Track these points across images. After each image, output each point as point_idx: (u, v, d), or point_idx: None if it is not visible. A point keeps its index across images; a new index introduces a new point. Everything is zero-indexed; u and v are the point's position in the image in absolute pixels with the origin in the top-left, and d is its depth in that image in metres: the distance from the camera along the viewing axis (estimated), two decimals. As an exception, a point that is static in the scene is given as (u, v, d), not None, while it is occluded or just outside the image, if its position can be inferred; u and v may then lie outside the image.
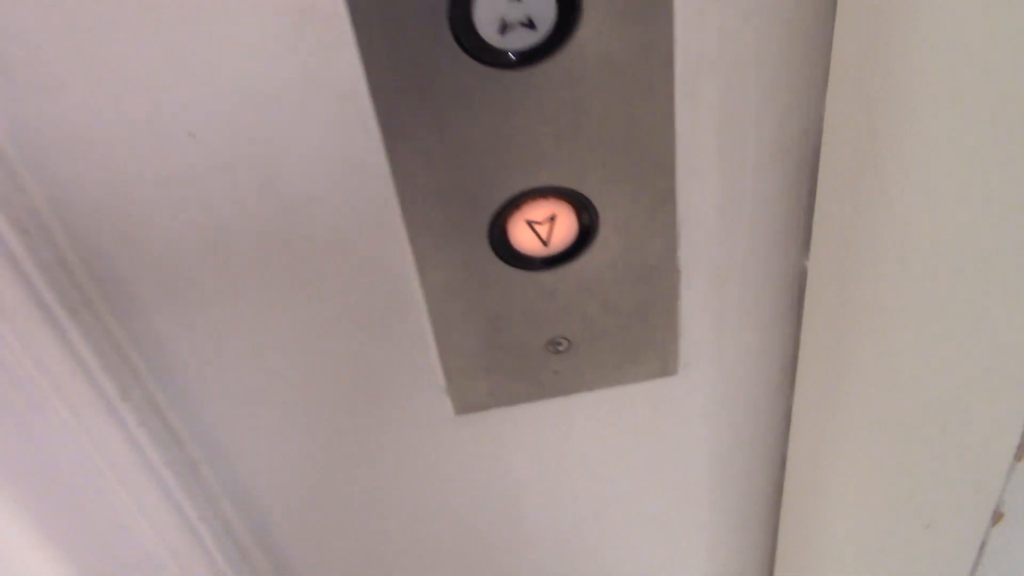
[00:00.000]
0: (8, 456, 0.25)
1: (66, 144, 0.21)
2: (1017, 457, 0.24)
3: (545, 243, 0.26)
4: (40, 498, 0.27)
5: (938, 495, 0.28)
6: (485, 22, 0.21)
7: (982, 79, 0.21)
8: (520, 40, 0.21)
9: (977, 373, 0.26)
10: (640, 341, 0.29)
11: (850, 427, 0.30)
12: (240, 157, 0.22)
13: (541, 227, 0.25)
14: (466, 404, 0.29)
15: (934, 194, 0.24)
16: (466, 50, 0.22)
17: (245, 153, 0.22)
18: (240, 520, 0.31)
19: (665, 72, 0.23)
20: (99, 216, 0.23)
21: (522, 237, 0.25)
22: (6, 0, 0.19)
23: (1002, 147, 0.22)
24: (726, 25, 0.22)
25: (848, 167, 0.25)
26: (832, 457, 0.31)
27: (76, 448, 0.26)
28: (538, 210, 0.25)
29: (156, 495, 0.28)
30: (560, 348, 0.28)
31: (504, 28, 0.21)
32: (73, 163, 0.22)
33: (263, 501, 0.31)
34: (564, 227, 0.25)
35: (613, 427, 0.31)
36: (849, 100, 0.23)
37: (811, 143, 0.25)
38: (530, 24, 0.21)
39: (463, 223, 0.25)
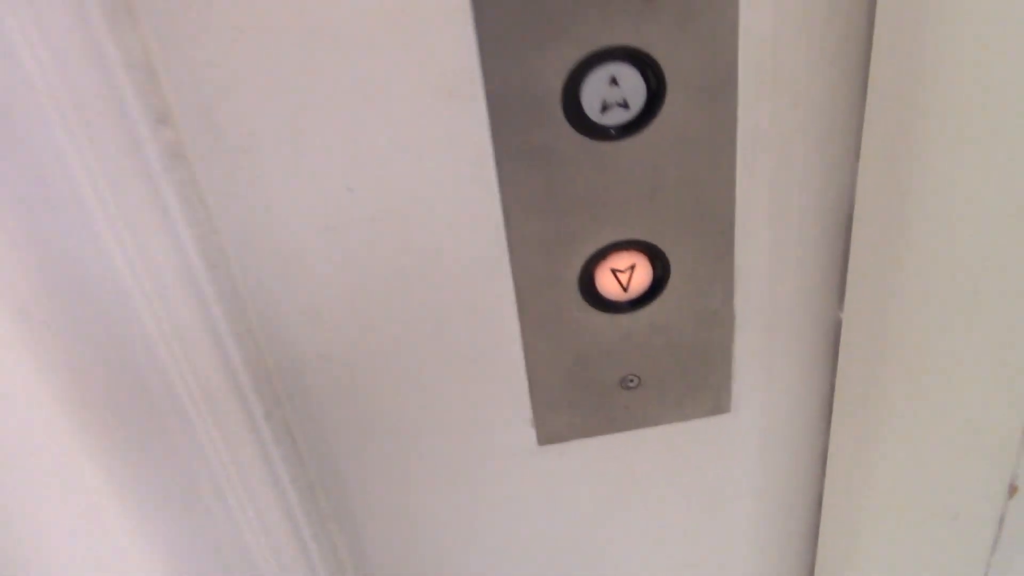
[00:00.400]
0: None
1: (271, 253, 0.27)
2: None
3: (625, 289, 0.31)
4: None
5: (965, 531, 0.32)
6: (590, 103, 0.27)
7: (996, 149, 0.26)
8: (617, 118, 0.27)
9: (1005, 408, 0.30)
10: (699, 380, 0.33)
11: (881, 468, 0.35)
12: (386, 211, 0.28)
13: (623, 275, 0.30)
14: (548, 436, 0.34)
15: (953, 254, 0.29)
16: (574, 125, 0.27)
17: (391, 207, 0.28)
18: (343, 541, 0.35)
19: (729, 146, 0.28)
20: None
21: (606, 283, 0.30)
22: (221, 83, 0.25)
23: (1018, 206, 0.27)
24: (778, 109, 0.28)
25: (876, 229, 0.30)
26: (865, 496, 0.36)
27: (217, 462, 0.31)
28: (621, 260, 0.30)
29: (278, 512, 0.33)
30: (631, 385, 0.33)
31: (604, 108, 0.27)
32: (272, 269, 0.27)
33: (363, 524, 0.35)
34: (641, 275, 0.30)
35: (672, 459, 0.35)
36: (877, 172, 0.29)
37: (845, 208, 0.30)
38: (625, 104, 0.27)
39: (559, 270, 0.30)
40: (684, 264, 0.30)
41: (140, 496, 0.31)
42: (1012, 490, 0.30)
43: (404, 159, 0.27)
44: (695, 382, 0.33)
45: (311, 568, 0.34)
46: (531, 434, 0.34)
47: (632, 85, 0.27)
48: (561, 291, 0.30)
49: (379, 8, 0.24)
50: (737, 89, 0.27)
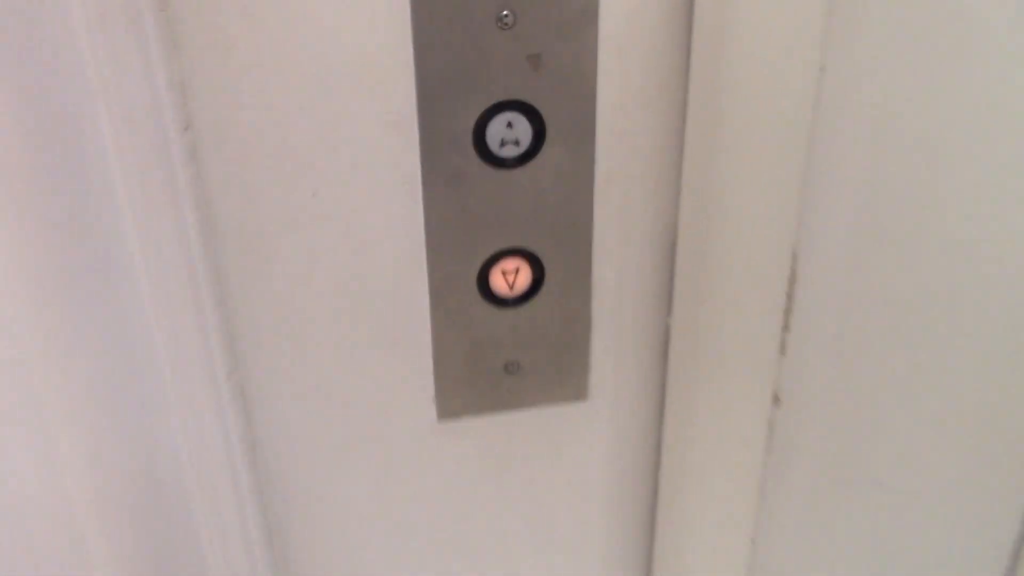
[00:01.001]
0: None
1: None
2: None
3: (511, 288, 0.41)
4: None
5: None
6: (492, 140, 0.37)
7: (775, 188, 0.38)
8: (511, 152, 0.38)
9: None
10: (564, 369, 0.44)
11: (700, 444, 0.45)
12: (338, 213, 0.38)
13: (509, 276, 0.41)
14: (446, 412, 0.43)
15: (743, 275, 0.40)
16: (480, 156, 0.38)
17: (342, 210, 0.38)
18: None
19: (589, 179, 0.39)
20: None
21: (497, 282, 0.41)
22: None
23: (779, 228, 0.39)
24: (623, 153, 0.39)
25: (694, 252, 0.41)
26: (691, 467, 0.46)
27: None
28: (509, 264, 0.40)
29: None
30: (513, 370, 0.43)
31: (502, 144, 0.38)
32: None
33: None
34: (524, 277, 0.41)
35: (540, 440, 0.45)
36: (693, 206, 0.40)
37: (671, 235, 0.42)
38: (517, 143, 0.38)
39: (463, 270, 0.40)
40: (556, 270, 0.41)
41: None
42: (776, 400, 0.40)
43: (356, 174, 0.37)
44: (562, 371, 0.43)
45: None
46: (432, 409, 0.43)
47: (522, 128, 0.38)
48: (463, 287, 0.40)
49: (347, 60, 0.35)
50: (595, 137, 0.38)
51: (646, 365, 0.44)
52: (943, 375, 0.38)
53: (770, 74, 0.35)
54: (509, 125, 0.37)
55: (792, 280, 0.34)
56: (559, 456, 0.45)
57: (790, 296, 0.34)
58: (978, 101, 0.34)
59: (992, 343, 0.39)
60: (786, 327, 0.35)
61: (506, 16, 0.35)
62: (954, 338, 0.38)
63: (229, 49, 0.33)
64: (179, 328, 0.37)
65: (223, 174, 0.35)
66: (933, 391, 0.38)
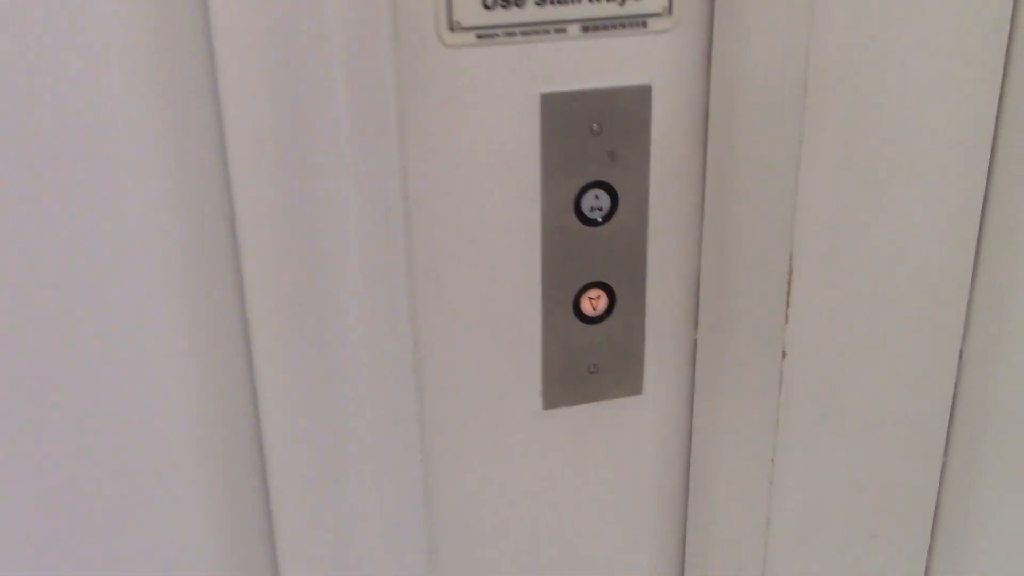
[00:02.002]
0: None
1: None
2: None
3: (594, 310, 0.61)
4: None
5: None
6: (586, 207, 0.58)
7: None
8: (597, 215, 0.59)
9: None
10: (628, 371, 0.63)
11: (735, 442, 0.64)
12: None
13: (594, 301, 0.61)
14: (550, 403, 0.62)
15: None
16: (578, 217, 0.59)
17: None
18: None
19: (643, 234, 0.60)
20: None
21: (585, 306, 0.61)
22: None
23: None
24: (666, 216, 0.60)
25: (712, 284, 0.62)
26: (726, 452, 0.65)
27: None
28: (593, 293, 0.61)
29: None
30: (594, 371, 0.63)
31: (591, 209, 0.59)
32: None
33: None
34: (603, 302, 0.61)
35: (611, 423, 0.64)
36: (711, 253, 0.61)
37: (696, 272, 0.62)
38: (600, 209, 0.59)
39: (564, 296, 0.60)
40: (623, 297, 0.61)
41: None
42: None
43: (501, 232, 0.57)
44: (626, 372, 0.63)
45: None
46: (539, 401, 0.62)
47: (604, 200, 0.58)
48: (563, 310, 0.60)
49: (493, 156, 0.56)
50: (648, 206, 0.59)
51: (681, 368, 0.64)
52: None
53: (757, 162, 0.56)
54: (596, 197, 0.58)
55: (790, 275, 0.54)
56: (625, 435, 0.64)
57: (789, 286, 0.54)
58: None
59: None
60: (788, 304, 0.55)
61: (595, 127, 0.57)
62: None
63: (431, 147, 0.54)
64: (382, 334, 0.56)
65: (423, 228, 0.56)
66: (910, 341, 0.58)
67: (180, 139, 0.53)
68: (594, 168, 0.57)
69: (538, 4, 0.53)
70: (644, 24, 0.55)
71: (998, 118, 0.51)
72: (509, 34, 0.53)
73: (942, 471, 0.59)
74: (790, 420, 0.56)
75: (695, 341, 0.63)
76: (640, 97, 0.57)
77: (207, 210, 0.55)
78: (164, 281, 0.56)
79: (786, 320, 0.53)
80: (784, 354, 0.55)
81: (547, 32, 0.54)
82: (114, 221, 0.53)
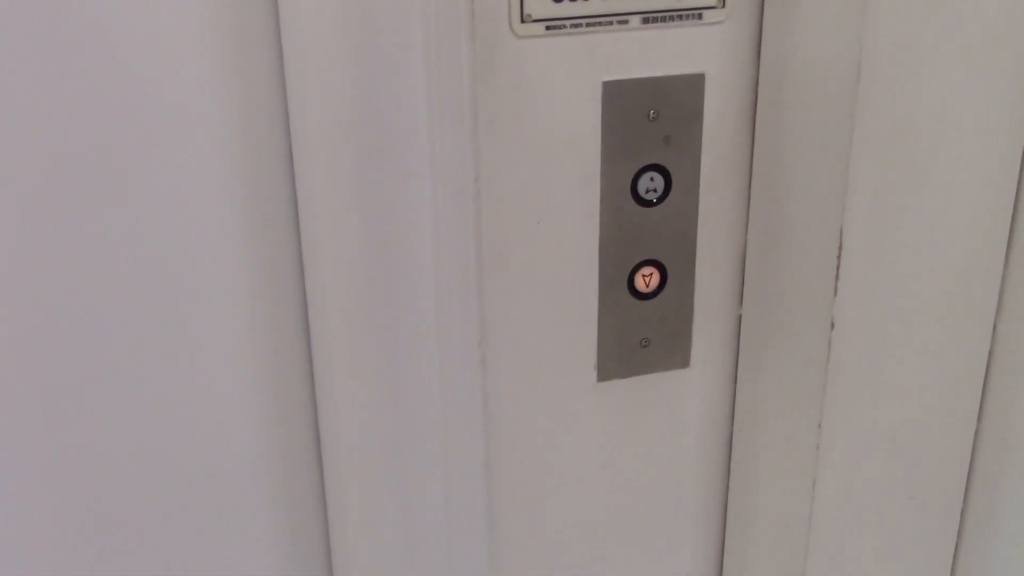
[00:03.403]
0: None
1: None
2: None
3: (647, 287, 0.65)
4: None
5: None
6: (642, 188, 0.62)
7: None
8: (652, 196, 0.62)
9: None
10: (677, 345, 0.67)
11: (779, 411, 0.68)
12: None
13: (647, 278, 0.64)
14: (605, 375, 0.66)
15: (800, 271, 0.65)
16: (634, 199, 0.62)
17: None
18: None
19: (694, 215, 0.64)
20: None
21: (639, 281, 0.64)
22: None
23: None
24: (716, 199, 0.64)
25: (757, 263, 0.66)
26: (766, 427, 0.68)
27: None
28: (647, 269, 0.64)
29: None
30: (645, 345, 0.66)
31: (647, 191, 0.62)
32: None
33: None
34: (655, 280, 0.65)
35: (661, 394, 0.68)
36: (757, 232, 0.65)
37: (742, 251, 0.66)
38: (655, 190, 0.62)
39: (619, 273, 0.63)
40: (675, 275, 0.65)
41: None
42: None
43: (562, 210, 0.61)
44: (675, 346, 0.67)
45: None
46: (594, 374, 0.65)
47: (659, 182, 0.62)
48: (618, 286, 0.64)
49: (563, 141, 0.59)
50: (699, 188, 0.63)
51: (726, 342, 0.67)
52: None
53: (807, 146, 0.60)
54: (652, 179, 0.62)
55: (840, 250, 0.58)
56: (673, 405, 0.68)
57: (839, 260, 0.58)
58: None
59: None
60: (837, 276, 0.59)
61: (653, 113, 0.60)
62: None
63: (500, 131, 0.57)
64: (452, 309, 0.60)
65: (491, 208, 0.59)
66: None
67: (254, 129, 0.57)
68: (650, 152, 0.61)
69: (603, -3, 0.56)
70: (699, 16, 0.58)
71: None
72: (575, 25, 0.56)
73: (975, 436, 0.63)
74: (837, 387, 0.60)
75: (739, 317, 0.66)
76: (694, 85, 0.60)
77: (279, 196, 0.58)
78: (231, 255, 0.59)
79: (835, 292, 0.57)
80: (833, 325, 0.58)
81: (610, 23, 0.57)
82: (185, 197, 0.56)
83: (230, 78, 0.55)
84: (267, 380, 0.62)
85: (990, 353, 0.61)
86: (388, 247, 0.58)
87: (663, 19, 0.58)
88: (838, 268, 0.55)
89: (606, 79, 0.58)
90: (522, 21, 0.55)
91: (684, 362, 0.67)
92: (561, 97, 0.58)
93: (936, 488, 0.64)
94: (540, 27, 0.56)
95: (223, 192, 0.58)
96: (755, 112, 0.61)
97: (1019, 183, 0.58)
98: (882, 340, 0.59)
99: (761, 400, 0.64)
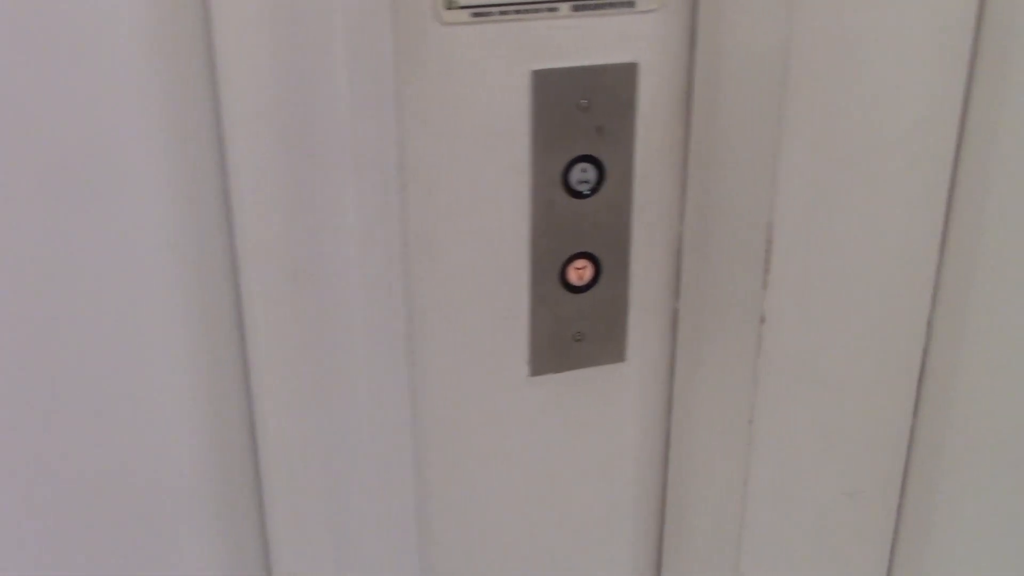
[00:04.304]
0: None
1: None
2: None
3: (580, 280, 0.63)
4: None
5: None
6: (574, 180, 0.61)
7: None
8: (584, 188, 0.61)
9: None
10: (612, 339, 0.66)
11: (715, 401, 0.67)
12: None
13: (580, 271, 0.63)
14: (537, 370, 0.65)
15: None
16: (566, 191, 0.61)
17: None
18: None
19: (628, 206, 0.63)
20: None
21: (572, 275, 0.63)
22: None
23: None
24: (651, 190, 0.63)
25: (694, 255, 0.64)
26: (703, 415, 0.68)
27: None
28: (580, 263, 0.63)
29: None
30: (579, 339, 0.65)
31: (579, 182, 0.61)
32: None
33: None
34: (588, 272, 0.63)
35: (595, 389, 0.67)
36: (693, 223, 0.64)
37: (677, 243, 0.65)
38: (587, 181, 0.61)
39: (551, 265, 0.62)
40: (608, 267, 0.63)
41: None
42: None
43: (490, 202, 0.59)
44: (610, 339, 0.65)
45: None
46: (526, 368, 0.64)
47: (592, 173, 0.61)
48: (551, 279, 0.63)
49: (491, 130, 0.58)
50: (632, 179, 0.62)
51: (663, 336, 0.66)
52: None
53: (738, 137, 0.59)
54: (584, 171, 0.60)
55: (769, 244, 0.57)
56: (608, 400, 0.67)
57: (768, 254, 0.57)
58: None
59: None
60: (766, 270, 0.58)
61: (584, 103, 0.59)
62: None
63: (425, 121, 0.56)
64: (376, 303, 0.58)
65: (417, 199, 0.57)
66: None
67: (179, 118, 0.55)
68: (582, 142, 0.59)
69: (531, -17, 0.55)
70: (632, 3, 0.57)
71: (966, 100, 0.54)
72: (503, 12, 0.55)
73: (911, 432, 0.62)
74: (767, 383, 0.59)
75: (676, 310, 0.65)
76: (627, 74, 0.59)
77: (210, 190, 0.56)
78: (160, 249, 0.57)
79: (765, 286, 0.56)
80: (763, 319, 0.57)
81: (539, 11, 0.56)
82: (113, 193, 0.54)
83: (161, 72, 0.54)
84: (204, 381, 0.61)
85: (925, 349, 0.61)
86: (313, 240, 0.57)
87: (594, 6, 0.57)
88: (767, 262, 0.55)
89: (535, 68, 0.57)
90: (447, 8, 0.54)
91: (619, 356, 0.66)
92: (489, 86, 0.56)
93: (873, 485, 0.63)
94: (466, 14, 0.54)
95: (153, 186, 0.56)
96: (690, 101, 0.60)
97: (953, 177, 0.57)
98: (815, 335, 0.58)
99: (696, 395, 0.63)
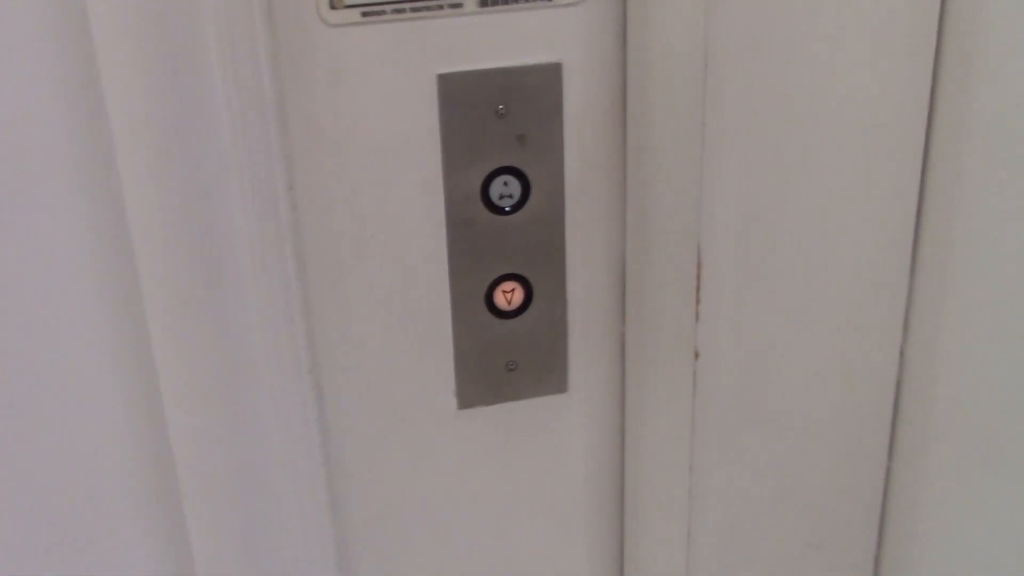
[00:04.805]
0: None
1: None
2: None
3: (509, 303, 0.57)
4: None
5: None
6: (495, 194, 0.55)
7: None
8: (507, 203, 0.55)
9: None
10: (550, 368, 0.59)
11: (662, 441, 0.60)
12: (396, 244, 0.54)
13: (508, 294, 0.57)
14: (465, 403, 0.59)
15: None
16: (486, 206, 0.55)
17: (402, 244, 0.54)
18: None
19: (561, 222, 0.56)
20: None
21: (500, 298, 0.57)
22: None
23: None
24: (585, 204, 0.56)
25: (637, 273, 0.58)
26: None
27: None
28: (508, 285, 0.57)
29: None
30: (512, 368, 0.59)
31: (501, 197, 0.55)
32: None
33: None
34: (518, 295, 0.57)
35: (532, 428, 0.60)
36: (633, 242, 0.57)
37: (621, 262, 0.58)
38: (511, 196, 0.55)
39: (474, 289, 0.56)
40: (541, 289, 0.57)
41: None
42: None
43: (402, 221, 0.53)
44: (548, 369, 0.59)
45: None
46: (454, 401, 0.58)
47: (515, 187, 0.55)
48: (475, 303, 0.56)
49: (393, 141, 0.52)
50: (564, 191, 0.55)
51: (610, 362, 0.60)
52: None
53: (665, 146, 0.52)
54: (505, 184, 0.54)
55: (699, 269, 0.50)
56: (548, 435, 0.60)
57: (699, 280, 0.50)
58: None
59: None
60: (698, 300, 0.51)
61: (501, 109, 0.53)
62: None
63: (318, 133, 0.51)
64: (275, 334, 0.53)
65: (313, 221, 0.52)
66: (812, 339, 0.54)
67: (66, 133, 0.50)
68: (501, 153, 0.53)
69: (426, -22, 0.49)
70: (550, -3, 0.51)
71: (932, 102, 0.47)
72: (398, 11, 0.49)
73: (887, 476, 0.55)
74: (707, 425, 0.52)
75: (623, 335, 0.59)
76: (549, 76, 0.53)
77: (115, 214, 0.51)
78: (76, 261, 0.53)
79: (697, 318, 0.49)
80: (697, 355, 0.50)
81: (440, 8, 0.50)
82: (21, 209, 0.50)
83: (52, 76, 0.49)
84: (124, 413, 0.56)
85: (897, 383, 0.53)
86: (203, 266, 0.52)
87: (506, 1, 0.50)
88: (699, 290, 0.48)
89: (442, 71, 0.51)
90: (332, 7, 0.48)
91: (560, 386, 0.59)
92: (389, 93, 0.51)
93: (841, 535, 0.56)
94: (355, 13, 0.49)
95: (54, 200, 0.51)
96: (624, 105, 0.54)
97: (922, 186, 0.49)
98: (760, 371, 0.51)
99: (641, 433, 0.57)
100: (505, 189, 0.54)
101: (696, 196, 0.47)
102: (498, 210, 0.54)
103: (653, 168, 0.51)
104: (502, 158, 0.53)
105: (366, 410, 0.57)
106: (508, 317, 0.57)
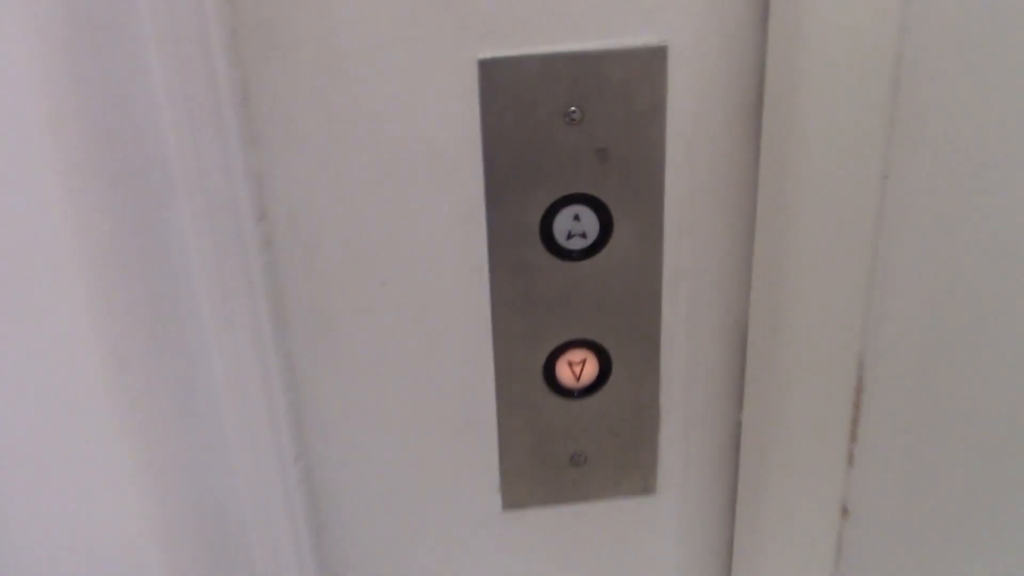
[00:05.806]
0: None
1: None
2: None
3: (578, 379, 0.41)
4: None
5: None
6: (559, 232, 0.38)
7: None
8: (578, 244, 0.38)
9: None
10: (633, 462, 0.43)
11: (774, 550, 0.44)
12: (410, 301, 0.38)
13: (576, 367, 0.41)
14: (511, 502, 0.43)
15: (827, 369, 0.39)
16: (547, 248, 0.38)
17: (414, 298, 0.38)
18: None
19: (656, 273, 0.39)
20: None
21: (564, 373, 0.41)
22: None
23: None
24: (694, 248, 0.39)
25: (764, 349, 0.41)
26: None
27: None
28: (576, 355, 0.40)
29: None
30: (579, 462, 0.43)
31: (569, 236, 0.38)
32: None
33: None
34: (591, 368, 0.41)
35: (607, 533, 0.44)
36: (763, 304, 0.40)
37: (742, 330, 0.41)
38: (584, 235, 0.38)
39: (528, 360, 0.40)
40: (623, 362, 0.41)
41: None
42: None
43: (425, 264, 0.38)
44: (629, 464, 0.43)
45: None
46: (497, 499, 0.43)
47: (589, 221, 0.38)
48: (529, 377, 0.40)
49: (419, 155, 0.36)
50: (663, 230, 0.38)
51: (717, 461, 0.43)
52: (1017, 485, 0.36)
53: (836, 173, 0.34)
54: (576, 218, 0.38)
55: (859, 389, 0.33)
56: (626, 550, 0.44)
57: (857, 405, 0.33)
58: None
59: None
60: (853, 437, 0.34)
61: (574, 112, 0.36)
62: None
63: (305, 143, 0.35)
64: (249, 412, 0.38)
65: (296, 263, 0.37)
66: (1007, 502, 0.36)
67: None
68: (572, 174, 0.37)
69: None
70: (650, -51, 0.33)
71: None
72: (418, -33, 0.33)
73: None
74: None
75: (739, 423, 0.42)
76: (648, 64, 0.36)
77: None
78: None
79: (854, 438, 0.32)
80: (846, 511, 0.33)
81: (483, -37, 0.33)
82: None
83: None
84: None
85: None
86: (155, 320, 0.37)
87: (586, -46, 0.33)
88: (859, 393, 0.31)
89: (483, 55, 0.35)
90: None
91: (645, 487, 0.43)
92: (406, 88, 0.35)
93: None
94: (356, -27, 0.33)
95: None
96: (761, 109, 0.36)
97: None
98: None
99: (763, 548, 0.40)
100: (576, 225, 0.37)
101: (869, 264, 0.30)
102: (565, 253, 0.38)
103: (809, 193, 0.33)
104: (573, 182, 0.37)
105: (378, 510, 0.42)
106: (575, 397, 0.41)
